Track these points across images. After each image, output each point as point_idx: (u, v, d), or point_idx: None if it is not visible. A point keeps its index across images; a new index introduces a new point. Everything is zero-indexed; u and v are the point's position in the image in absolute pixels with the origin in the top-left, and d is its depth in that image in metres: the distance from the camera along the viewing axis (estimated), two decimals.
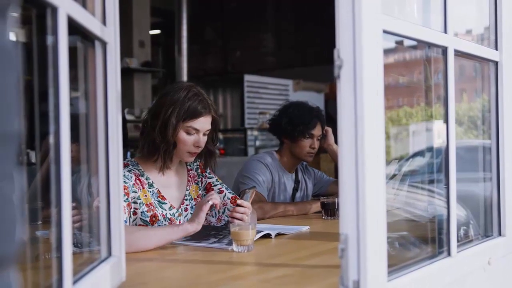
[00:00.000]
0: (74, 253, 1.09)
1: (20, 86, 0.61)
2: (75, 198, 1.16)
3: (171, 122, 2.18)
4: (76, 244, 1.35)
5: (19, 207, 0.60)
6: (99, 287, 1.26)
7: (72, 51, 1.10)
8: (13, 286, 0.60)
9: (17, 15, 0.63)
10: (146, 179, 2.25)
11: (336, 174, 5.36)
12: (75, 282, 1.11)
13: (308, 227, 2.40)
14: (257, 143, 7.65)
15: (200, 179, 2.44)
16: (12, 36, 0.60)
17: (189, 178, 2.41)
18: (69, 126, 1.04)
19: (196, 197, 2.39)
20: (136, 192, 2.16)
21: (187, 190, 2.38)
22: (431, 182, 2.02)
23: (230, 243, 1.95)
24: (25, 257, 1.11)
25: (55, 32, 1.02)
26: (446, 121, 1.55)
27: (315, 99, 7.16)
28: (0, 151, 0.57)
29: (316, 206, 2.85)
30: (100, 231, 1.39)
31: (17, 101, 0.60)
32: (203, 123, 2.23)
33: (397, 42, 1.49)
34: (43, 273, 1.23)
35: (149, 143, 2.23)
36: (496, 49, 1.83)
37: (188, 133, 2.22)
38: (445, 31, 1.54)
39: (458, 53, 1.60)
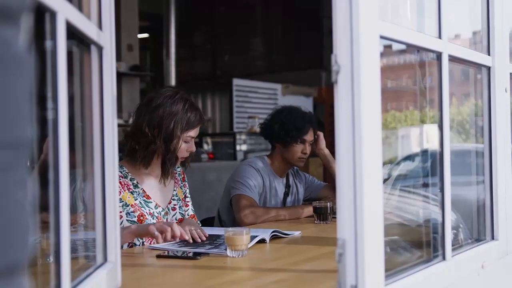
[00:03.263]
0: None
1: (33, 93, 0.61)
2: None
3: (176, 134, 2.28)
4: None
5: (31, 213, 0.60)
6: None
7: (68, 56, 1.09)
8: None
9: (30, 21, 0.62)
10: (131, 180, 2.31)
11: (325, 178, 5.38)
12: None
13: (300, 232, 2.40)
14: (246, 147, 7.64)
15: (183, 184, 2.55)
16: (25, 42, 0.60)
17: (176, 180, 2.50)
18: (67, 130, 1.04)
19: (181, 198, 2.49)
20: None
21: (174, 190, 2.46)
22: (422, 186, 2.03)
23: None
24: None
25: (53, 37, 1.01)
26: (441, 125, 1.56)
27: (304, 103, 7.17)
28: (13, 157, 0.57)
29: (308, 211, 2.85)
30: (96, 237, 1.38)
31: (30, 107, 0.60)
32: (198, 130, 2.38)
33: (385, 46, 1.50)
34: (40, 279, 1.22)
35: (150, 153, 2.29)
36: (489, 54, 1.85)
37: (186, 142, 2.34)
38: (440, 37, 1.55)
39: (452, 58, 1.61)
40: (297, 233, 2.38)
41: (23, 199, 0.58)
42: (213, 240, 2.16)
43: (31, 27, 0.64)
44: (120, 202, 2.21)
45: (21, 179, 0.58)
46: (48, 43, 1.03)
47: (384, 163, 2.45)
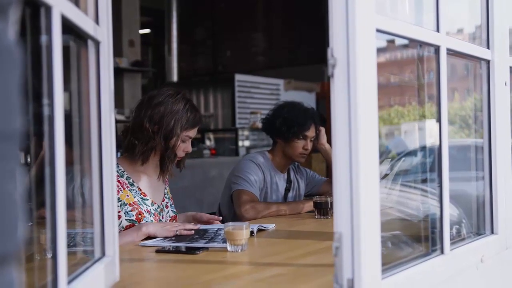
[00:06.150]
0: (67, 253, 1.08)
1: (22, 86, 0.61)
2: (67, 198, 1.16)
3: (176, 132, 2.31)
4: (68, 244, 1.35)
5: (21, 205, 0.60)
6: (93, 287, 1.26)
7: (64, 50, 1.09)
8: (15, 283, 0.60)
9: (18, 14, 0.63)
10: (126, 179, 2.34)
11: (327, 174, 5.37)
12: (69, 282, 1.11)
13: (274, 225, 2.42)
14: (249, 143, 7.64)
15: (168, 184, 2.58)
16: (14, 35, 0.60)
17: (166, 180, 2.53)
18: (63, 126, 1.04)
19: (171, 198, 2.53)
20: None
21: (165, 189, 2.51)
22: (423, 181, 2.03)
23: (225, 241, 1.94)
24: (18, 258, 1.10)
25: (49, 32, 1.01)
26: (439, 120, 1.56)
27: (307, 99, 7.17)
28: (3, 149, 0.57)
29: (309, 206, 2.86)
30: (94, 231, 1.38)
31: (19, 100, 0.60)
32: (196, 131, 2.41)
33: (388, 41, 1.50)
34: (37, 274, 1.22)
35: (149, 149, 2.31)
36: (488, 48, 1.84)
37: (183, 141, 2.36)
38: (438, 30, 1.54)
39: (450, 52, 1.61)
40: (271, 226, 2.40)
41: (12, 190, 0.58)
42: (202, 234, 2.16)
43: (19, 20, 0.64)
44: (118, 202, 2.23)
45: (10, 171, 0.58)
46: (43, 38, 1.03)
47: (387, 158, 2.45)
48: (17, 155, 0.60)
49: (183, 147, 2.36)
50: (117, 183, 2.25)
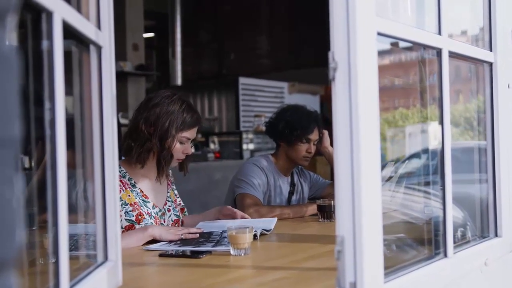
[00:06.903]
0: (70, 257, 1.08)
1: (20, 91, 0.61)
2: (71, 203, 1.16)
3: (171, 133, 2.30)
4: (71, 248, 1.35)
5: (19, 211, 0.61)
6: None
7: (67, 55, 1.10)
8: None
9: (16, 21, 0.63)
10: (129, 180, 2.34)
11: (332, 177, 5.35)
12: (71, 286, 1.11)
13: (275, 219, 2.45)
14: (253, 146, 7.63)
15: (173, 186, 2.58)
16: (12, 41, 0.60)
17: (168, 183, 2.53)
18: (64, 131, 1.04)
19: (174, 200, 2.52)
20: None
21: (168, 192, 2.50)
22: (427, 184, 2.03)
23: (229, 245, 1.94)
24: (21, 262, 1.10)
25: (50, 37, 1.01)
26: (441, 122, 1.55)
27: (311, 102, 7.16)
28: (1, 155, 0.58)
29: (312, 209, 2.85)
30: (97, 235, 1.38)
31: (17, 106, 0.60)
32: (194, 132, 2.39)
33: (392, 44, 1.50)
34: (40, 278, 1.22)
35: (146, 151, 2.31)
36: (491, 50, 1.84)
37: (181, 143, 2.35)
38: (439, 33, 1.54)
39: (453, 55, 1.60)
40: (273, 222, 2.42)
41: (10, 196, 0.58)
42: (207, 238, 2.16)
43: (21, 25, 0.64)
44: (120, 201, 2.23)
45: (8, 177, 0.58)
46: (45, 43, 1.03)
47: (391, 161, 2.44)
48: (15, 161, 0.60)
49: (182, 149, 2.35)
50: (119, 183, 2.26)
